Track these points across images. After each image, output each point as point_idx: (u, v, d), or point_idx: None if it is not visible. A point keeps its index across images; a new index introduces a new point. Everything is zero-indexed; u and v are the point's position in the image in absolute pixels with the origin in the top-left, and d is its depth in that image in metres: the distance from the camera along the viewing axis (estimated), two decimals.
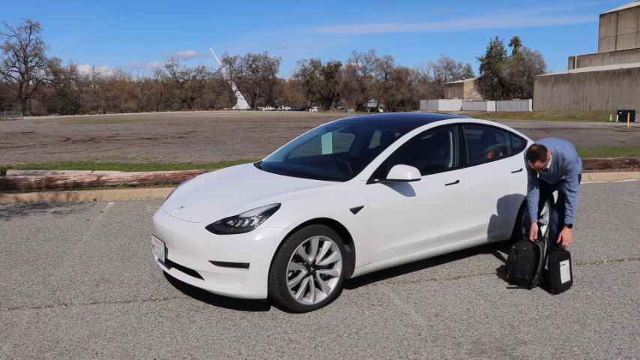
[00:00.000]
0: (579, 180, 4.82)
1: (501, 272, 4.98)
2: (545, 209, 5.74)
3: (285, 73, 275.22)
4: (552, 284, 4.50)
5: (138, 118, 59.07)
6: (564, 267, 4.54)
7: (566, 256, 4.59)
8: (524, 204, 5.38)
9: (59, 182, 9.20)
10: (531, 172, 4.81)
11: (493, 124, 5.82)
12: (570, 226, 4.71)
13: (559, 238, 4.72)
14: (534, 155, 4.54)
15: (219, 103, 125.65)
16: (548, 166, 4.62)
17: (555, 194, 5.44)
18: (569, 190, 4.68)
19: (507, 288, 4.63)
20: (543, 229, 5.76)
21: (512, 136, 5.81)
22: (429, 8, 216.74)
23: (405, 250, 4.67)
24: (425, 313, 4.12)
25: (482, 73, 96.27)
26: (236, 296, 3.99)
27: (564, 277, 4.52)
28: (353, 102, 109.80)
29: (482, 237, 5.31)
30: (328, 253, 4.18)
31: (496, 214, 5.33)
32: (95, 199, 8.81)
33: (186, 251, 4.08)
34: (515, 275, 4.64)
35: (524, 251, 4.63)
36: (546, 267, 4.60)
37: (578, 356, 3.43)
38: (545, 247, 4.67)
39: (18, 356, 3.42)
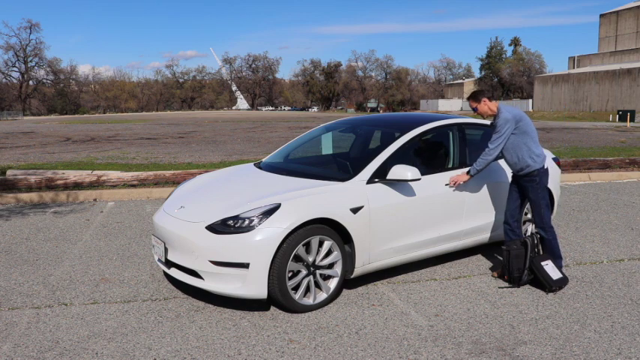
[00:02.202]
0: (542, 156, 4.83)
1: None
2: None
3: (285, 73, 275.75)
4: (545, 283, 4.53)
5: (138, 118, 59.07)
6: (548, 266, 4.58)
7: (547, 257, 4.68)
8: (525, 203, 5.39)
9: (59, 182, 9.20)
10: None
11: None
12: (469, 173, 4.86)
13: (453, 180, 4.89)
14: (469, 96, 4.96)
15: (219, 103, 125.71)
16: (479, 111, 4.87)
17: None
18: (489, 144, 4.77)
19: (500, 288, 4.63)
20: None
21: None
22: (429, 8, 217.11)
23: (405, 250, 4.66)
24: (425, 313, 4.12)
25: (482, 73, 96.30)
26: (236, 296, 3.99)
27: (554, 275, 4.55)
28: (353, 102, 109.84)
29: (483, 237, 5.30)
30: (328, 253, 4.18)
31: (496, 214, 5.32)
32: (95, 199, 8.81)
33: (187, 251, 4.08)
34: (512, 275, 4.65)
35: (515, 249, 4.66)
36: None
37: (578, 356, 3.43)
38: (531, 242, 4.69)
39: (18, 356, 3.42)
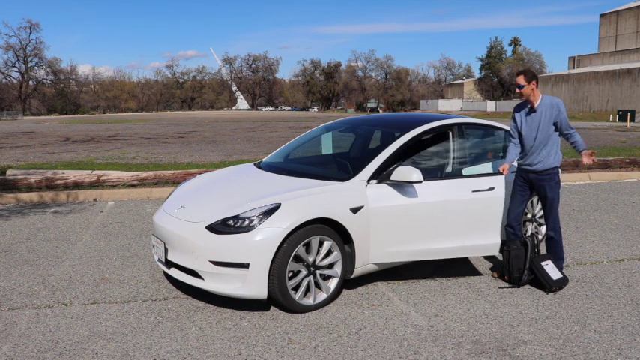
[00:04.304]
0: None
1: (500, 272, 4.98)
2: (539, 209, 5.74)
3: (285, 73, 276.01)
4: (545, 283, 4.53)
5: (138, 118, 59.07)
6: (548, 266, 4.58)
7: (546, 257, 4.68)
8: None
9: (59, 182, 9.20)
10: (512, 127, 4.94)
11: (493, 124, 5.81)
12: (583, 150, 4.68)
13: (583, 161, 4.73)
14: (523, 71, 4.76)
15: (219, 103, 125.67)
16: (526, 93, 4.68)
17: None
18: (567, 131, 4.69)
19: (500, 288, 4.63)
20: (542, 229, 5.75)
21: None
22: (429, 8, 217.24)
23: (405, 249, 4.65)
24: (425, 313, 4.12)
25: (482, 73, 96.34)
26: (236, 296, 3.99)
27: (554, 275, 4.55)
28: (353, 102, 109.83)
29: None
30: (328, 253, 4.18)
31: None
32: (95, 199, 8.81)
33: (186, 251, 4.08)
34: (512, 275, 4.65)
35: (515, 250, 4.66)
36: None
37: (578, 356, 3.43)
38: (531, 243, 4.68)
39: (18, 356, 3.42)
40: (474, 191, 4.84)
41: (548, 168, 4.70)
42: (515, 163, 5.02)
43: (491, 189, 4.92)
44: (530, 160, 4.76)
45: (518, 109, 4.90)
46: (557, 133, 4.71)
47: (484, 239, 4.89)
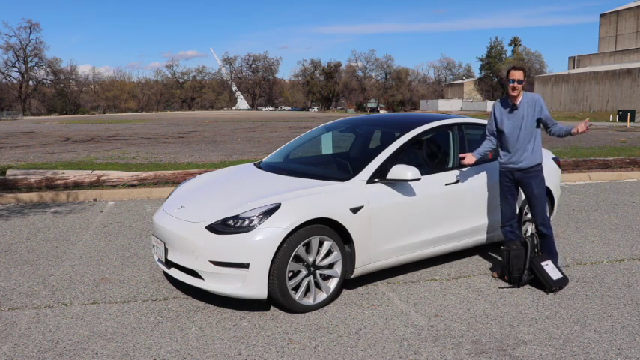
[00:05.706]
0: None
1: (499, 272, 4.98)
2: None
3: (285, 73, 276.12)
4: (545, 283, 4.53)
5: (138, 118, 59.07)
6: (548, 267, 4.58)
7: (546, 257, 4.68)
8: (524, 204, 5.39)
9: (59, 182, 9.20)
10: (490, 124, 4.93)
11: None
12: (574, 129, 4.60)
13: (575, 130, 4.64)
14: (521, 66, 4.76)
15: (219, 103, 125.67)
16: (519, 89, 4.68)
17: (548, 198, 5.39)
18: (552, 124, 4.74)
19: (500, 288, 4.63)
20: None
21: None
22: (429, 8, 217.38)
23: (405, 250, 4.66)
24: (425, 313, 4.12)
25: (482, 73, 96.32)
26: (236, 296, 3.99)
27: (554, 275, 4.55)
28: (353, 102, 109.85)
29: (482, 237, 5.30)
30: (328, 253, 4.18)
31: (496, 213, 5.32)
32: (95, 199, 8.81)
33: (186, 251, 4.08)
34: (512, 275, 4.65)
35: (515, 250, 4.65)
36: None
37: (578, 356, 3.43)
38: (531, 243, 4.68)
39: (18, 356, 3.42)
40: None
41: (534, 165, 4.73)
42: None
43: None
44: (515, 157, 4.77)
45: (498, 106, 4.89)
46: (540, 130, 4.77)
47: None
